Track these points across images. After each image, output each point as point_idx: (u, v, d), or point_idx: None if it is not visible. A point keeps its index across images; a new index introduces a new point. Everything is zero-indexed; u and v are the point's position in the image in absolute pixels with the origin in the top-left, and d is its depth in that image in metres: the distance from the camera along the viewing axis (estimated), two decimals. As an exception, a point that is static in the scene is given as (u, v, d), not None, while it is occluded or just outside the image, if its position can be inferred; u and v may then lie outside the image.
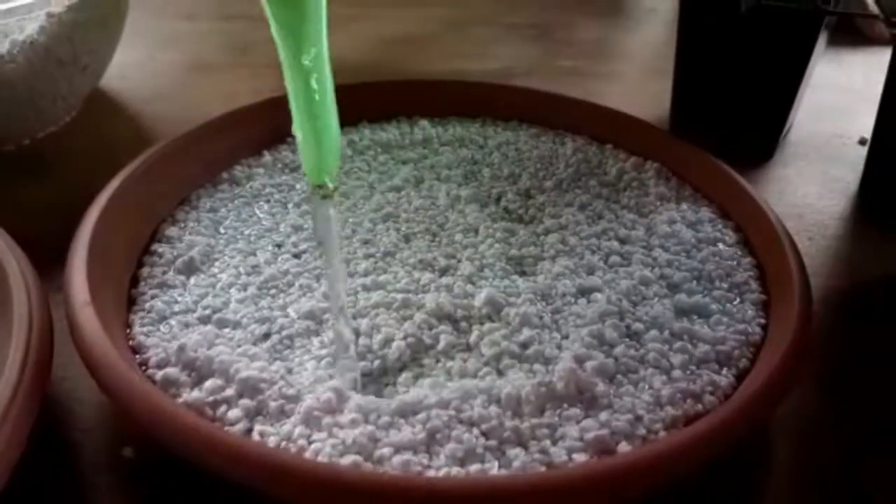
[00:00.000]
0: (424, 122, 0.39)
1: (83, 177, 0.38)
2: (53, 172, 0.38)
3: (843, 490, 0.25)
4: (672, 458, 0.22)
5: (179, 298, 0.28)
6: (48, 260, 0.27)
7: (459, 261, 0.30)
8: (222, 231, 0.31)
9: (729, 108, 0.41)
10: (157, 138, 0.42)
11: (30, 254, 0.27)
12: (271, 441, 0.22)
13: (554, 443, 0.23)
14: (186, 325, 0.27)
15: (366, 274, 0.29)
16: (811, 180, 0.41)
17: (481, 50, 0.53)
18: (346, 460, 0.22)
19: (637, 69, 0.52)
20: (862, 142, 0.44)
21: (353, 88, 0.39)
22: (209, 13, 0.56)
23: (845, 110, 0.47)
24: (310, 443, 0.22)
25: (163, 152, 0.33)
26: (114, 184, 0.31)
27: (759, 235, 0.31)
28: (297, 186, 0.34)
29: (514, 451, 0.22)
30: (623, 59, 0.54)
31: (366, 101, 0.39)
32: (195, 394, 0.24)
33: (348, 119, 0.39)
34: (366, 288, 0.28)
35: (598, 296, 0.28)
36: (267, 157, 0.36)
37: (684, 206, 0.33)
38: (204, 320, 0.27)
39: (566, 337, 0.26)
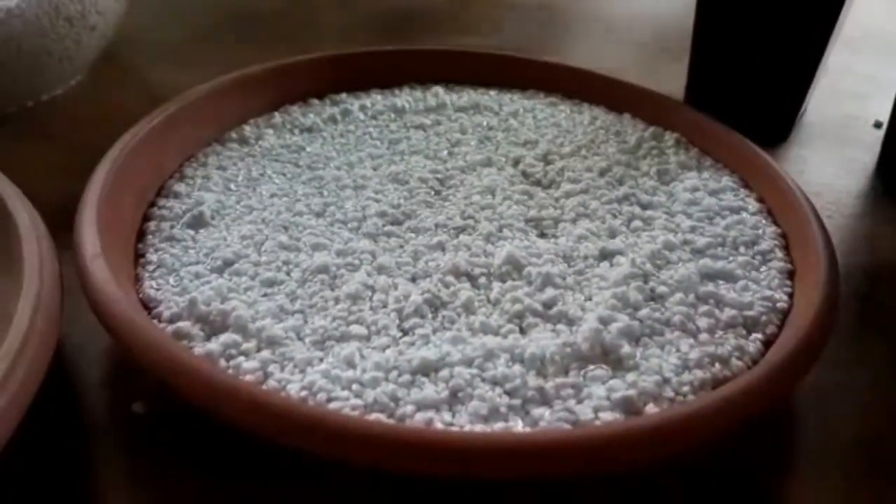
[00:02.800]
0: (438, 89, 0.38)
1: (88, 139, 0.36)
2: (58, 135, 0.37)
3: (863, 464, 0.25)
4: (701, 421, 0.21)
5: (188, 252, 0.27)
6: (55, 219, 0.26)
7: (477, 221, 0.29)
8: (233, 188, 0.30)
9: (745, 89, 0.40)
10: (157, 102, 0.41)
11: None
12: (292, 391, 0.22)
13: (579, 402, 0.22)
14: (197, 276, 0.26)
15: (374, 234, 0.28)
16: (828, 161, 0.40)
17: (488, 26, 0.52)
18: (371, 416, 0.21)
19: (651, 45, 0.51)
20: (877, 125, 0.43)
21: (364, 56, 0.38)
22: None
23: (859, 94, 0.46)
24: (329, 401, 0.21)
25: (172, 111, 0.32)
26: (122, 142, 0.30)
27: (783, 206, 0.30)
28: (308, 149, 0.33)
29: (539, 411, 0.22)
30: (635, 35, 0.53)
31: (378, 67, 0.38)
32: (209, 346, 0.23)
33: (360, 85, 0.38)
34: (378, 246, 0.28)
35: (622, 259, 0.27)
36: (277, 117, 0.35)
37: (706, 174, 0.33)
38: (216, 269, 0.26)
39: (589, 298, 0.26)
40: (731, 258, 0.28)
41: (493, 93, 0.38)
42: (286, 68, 0.37)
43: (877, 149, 0.41)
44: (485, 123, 0.36)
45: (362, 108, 0.36)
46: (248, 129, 0.34)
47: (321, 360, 0.23)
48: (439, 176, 0.32)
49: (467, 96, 0.38)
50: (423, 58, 0.39)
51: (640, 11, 0.57)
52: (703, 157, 0.34)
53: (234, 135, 0.34)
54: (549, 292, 0.25)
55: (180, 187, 0.30)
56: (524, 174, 0.32)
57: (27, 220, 0.25)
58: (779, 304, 0.26)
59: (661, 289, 0.26)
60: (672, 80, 0.43)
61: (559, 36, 0.52)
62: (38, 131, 0.38)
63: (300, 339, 0.24)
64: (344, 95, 0.37)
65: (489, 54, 0.40)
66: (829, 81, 0.45)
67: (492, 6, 0.55)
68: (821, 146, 0.41)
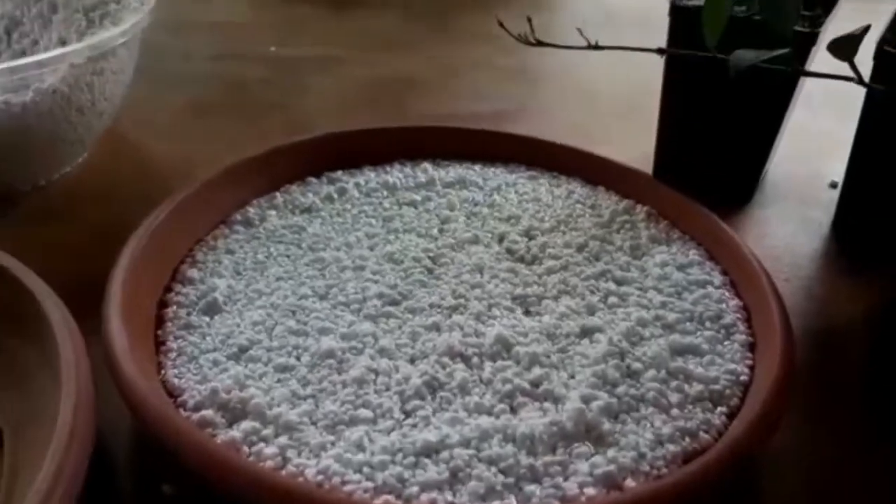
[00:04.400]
0: (427, 165, 0.40)
1: (99, 218, 0.39)
2: (69, 215, 0.39)
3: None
4: (675, 494, 0.24)
5: (206, 339, 0.29)
6: (73, 297, 0.28)
7: (468, 300, 0.32)
8: (242, 272, 0.33)
9: (710, 155, 0.43)
10: (164, 177, 0.43)
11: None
12: (309, 475, 0.24)
13: (566, 479, 0.24)
14: (215, 364, 0.28)
15: (375, 316, 0.31)
16: (787, 221, 0.43)
17: (471, 91, 0.55)
18: (380, 500, 0.23)
19: (623, 106, 0.54)
20: (832, 185, 0.46)
21: (358, 134, 0.41)
22: (203, 53, 0.57)
23: (818, 152, 0.49)
24: (343, 483, 0.24)
25: (181, 202, 0.34)
26: (138, 234, 0.32)
27: (744, 279, 0.33)
28: (309, 229, 0.36)
29: (531, 488, 0.24)
30: (609, 97, 0.56)
31: (370, 145, 0.41)
32: (231, 433, 0.25)
33: (354, 161, 0.40)
34: (378, 328, 0.30)
35: (600, 336, 0.30)
36: (279, 198, 0.37)
37: (674, 248, 0.35)
38: (232, 357, 0.28)
39: (573, 376, 0.28)
40: (698, 333, 0.31)
41: (477, 167, 0.41)
42: (285, 150, 0.39)
43: (832, 209, 0.44)
44: (471, 198, 0.38)
45: (357, 185, 0.39)
46: (252, 211, 0.36)
47: (333, 444, 0.25)
48: (431, 254, 0.34)
49: (454, 171, 0.40)
50: (412, 134, 0.42)
51: (615, 76, 0.59)
52: (672, 229, 0.37)
53: (239, 217, 0.36)
54: (536, 371, 0.28)
55: (193, 273, 0.32)
56: (509, 251, 0.35)
57: (60, 319, 0.27)
58: (741, 378, 0.29)
59: (636, 365, 0.29)
60: (645, 142, 0.46)
61: (539, 99, 0.55)
62: (50, 212, 0.40)
63: (313, 423, 0.26)
64: (339, 173, 0.40)
65: (473, 130, 0.42)
66: (789, 140, 0.47)
67: (475, 70, 0.58)
68: (781, 207, 0.44)
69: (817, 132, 0.51)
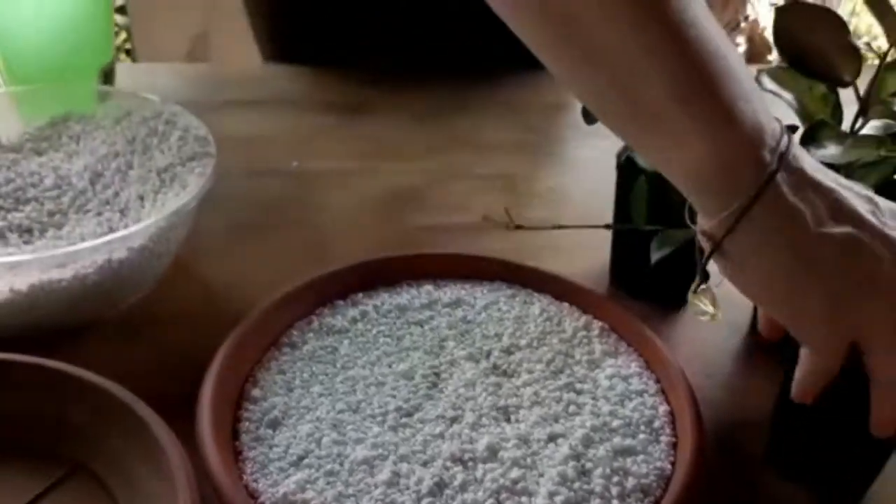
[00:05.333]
0: (429, 287, 0.50)
1: (170, 339, 0.49)
2: (145, 336, 0.49)
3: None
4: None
5: (272, 449, 0.39)
6: (160, 409, 0.38)
7: (464, 411, 0.41)
8: (293, 390, 0.42)
9: (650, 265, 0.53)
10: (216, 298, 0.53)
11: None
12: (355, 562, 0.34)
13: (537, 556, 0.34)
14: (281, 471, 0.38)
15: (395, 426, 0.40)
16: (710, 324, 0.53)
17: (459, 202, 0.65)
18: (407, 577, 0.33)
19: (585, 216, 0.64)
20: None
21: (376, 262, 0.51)
22: (236, 170, 0.65)
23: None
24: (381, 566, 0.33)
25: (242, 331, 0.44)
26: (216, 363, 0.41)
27: (670, 386, 0.43)
28: (340, 350, 0.45)
29: (512, 564, 0.34)
30: (574, 208, 0.66)
31: (384, 271, 0.50)
32: (299, 527, 0.35)
33: (371, 284, 0.50)
34: (398, 437, 0.40)
35: (562, 441, 0.39)
36: (315, 322, 0.47)
37: (620, 360, 0.45)
38: (293, 464, 0.38)
39: (542, 475, 0.38)
40: (635, 436, 0.40)
41: (468, 286, 0.51)
42: (318, 280, 0.48)
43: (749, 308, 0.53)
44: (464, 317, 0.48)
45: (375, 308, 0.48)
46: (295, 335, 0.46)
47: (372, 535, 0.35)
48: (435, 370, 0.44)
49: (450, 292, 0.50)
50: (417, 261, 0.51)
51: (589, 186, 0.68)
52: (619, 342, 0.47)
53: (286, 340, 0.46)
54: (515, 472, 0.38)
55: (256, 392, 0.42)
56: (494, 366, 0.44)
57: (165, 433, 0.37)
58: (665, 472, 0.38)
59: (588, 465, 0.38)
60: (603, 247, 0.55)
61: (521, 205, 0.65)
62: (128, 333, 0.49)
63: (357, 517, 0.36)
64: (360, 296, 0.49)
65: (465, 256, 0.52)
66: None
67: (459, 181, 0.68)
68: (710, 308, 0.54)
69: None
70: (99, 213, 0.50)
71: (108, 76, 0.65)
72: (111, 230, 0.48)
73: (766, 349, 0.51)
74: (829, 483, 0.43)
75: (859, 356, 0.37)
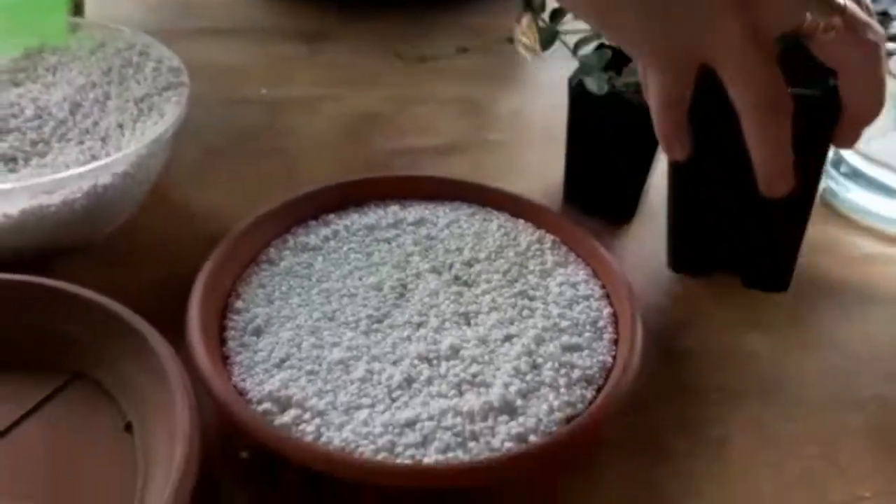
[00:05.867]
0: (395, 207, 0.54)
1: (157, 261, 0.52)
2: (133, 259, 0.52)
3: (662, 453, 0.42)
4: (562, 443, 0.38)
5: (256, 354, 0.43)
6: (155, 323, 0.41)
7: (429, 318, 0.45)
8: (273, 302, 0.46)
9: (601, 178, 0.57)
10: (199, 221, 0.56)
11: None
12: (335, 444, 0.38)
13: (494, 437, 0.39)
14: (266, 371, 0.42)
15: (367, 331, 0.44)
16: (659, 233, 0.57)
17: (424, 126, 0.68)
18: (380, 456, 0.37)
19: (543, 137, 0.67)
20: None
21: (345, 185, 0.54)
22: (210, 99, 0.68)
23: None
24: (357, 447, 0.38)
25: (225, 249, 0.47)
26: (201, 277, 0.45)
27: (614, 291, 0.47)
28: (315, 265, 0.49)
29: (472, 444, 0.38)
30: (533, 129, 0.69)
31: (354, 193, 0.54)
32: (283, 419, 0.39)
33: (342, 205, 0.54)
34: (370, 340, 0.44)
35: (517, 340, 0.44)
36: (290, 241, 0.51)
37: (569, 269, 0.50)
38: (276, 365, 0.42)
39: (498, 369, 0.42)
40: (581, 335, 0.45)
41: (432, 206, 0.54)
42: (292, 202, 0.52)
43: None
44: (427, 234, 0.52)
45: (346, 227, 0.52)
46: (272, 252, 0.50)
47: (349, 422, 0.39)
48: (402, 282, 0.48)
49: (415, 212, 0.54)
50: (384, 183, 0.55)
51: (544, 107, 0.71)
52: (569, 254, 0.51)
53: (264, 257, 0.49)
54: (474, 367, 0.42)
55: (239, 304, 0.46)
56: (456, 277, 0.49)
57: (160, 342, 0.40)
58: (606, 365, 0.43)
59: (539, 360, 0.43)
60: (559, 167, 0.59)
61: (484, 127, 0.68)
62: (114, 256, 0.52)
63: (335, 409, 0.40)
64: (332, 216, 0.53)
65: (428, 177, 0.56)
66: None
67: (423, 105, 0.71)
68: (655, 221, 0.58)
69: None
70: (80, 142, 0.52)
71: (78, 7, 0.66)
72: (94, 158, 0.50)
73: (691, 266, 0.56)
74: (749, 265, 0.45)
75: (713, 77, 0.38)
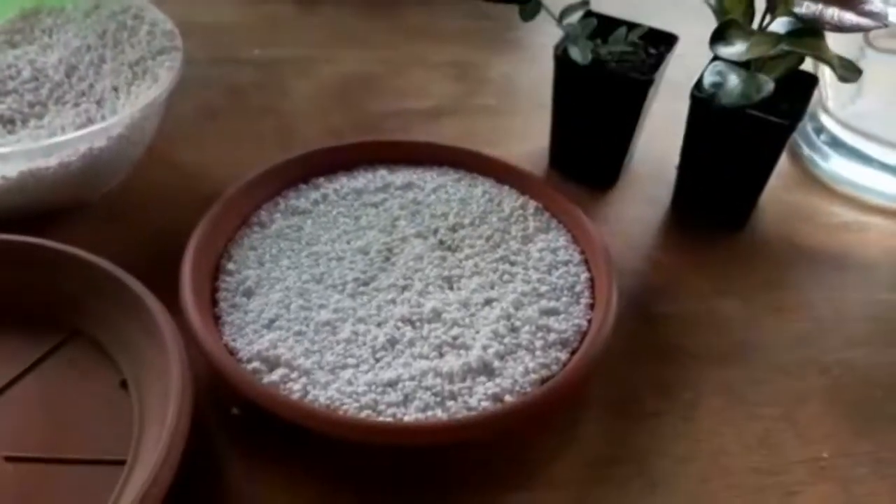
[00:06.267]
0: (383, 171, 0.55)
1: (150, 218, 0.53)
2: (128, 216, 0.53)
3: (634, 413, 0.44)
4: (536, 402, 0.40)
5: (247, 314, 0.45)
6: (148, 280, 0.43)
7: (413, 281, 0.47)
8: (263, 264, 0.48)
9: (585, 145, 0.58)
10: (192, 179, 0.57)
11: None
12: (321, 401, 0.40)
13: (471, 397, 0.41)
14: (255, 332, 0.43)
15: (353, 294, 0.46)
16: (640, 199, 0.59)
17: (415, 89, 0.69)
18: (363, 413, 0.39)
19: (532, 102, 0.68)
20: (677, 167, 0.61)
21: (334, 150, 0.55)
22: (202, 57, 0.68)
23: (672, 136, 0.64)
24: (342, 405, 0.40)
25: (216, 211, 0.48)
26: (194, 238, 0.46)
27: (593, 257, 0.49)
28: (304, 228, 0.50)
29: (450, 403, 0.40)
30: (522, 94, 0.70)
31: (343, 157, 0.55)
32: (272, 377, 0.41)
33: (331, 169, 0.55)
34: (356, 303, 0.45)
35: (496, 304, 0.46)
36: (280, 203, 0.52)
37: (551, 235, 0.51)
38: (266, 326, 0.44)
39: (478, 332, 0.44)
40: (559, 299, 0.47)
41: (419, 171, 0.55)
42: (283, 166, 0.53)
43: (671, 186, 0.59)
44: (414, 199, 0.53)
45: (335, 191, 0.53)
46: (263, 215, 0.51)
47: (334, 381, 0.41)
48: (388, 247, 0.49)
49: (402, 176, 0.55)
50: (373, 147, 0.56)
51: (531, 72, 0.72)
52: (551, 220, 0.52)
53: (255, 220, 0.51)
54: (455, 330, 0.44)
55: (231, 266, 0.47)
56: (440, 242, 0.50)
57: (153, 302, 0.42)
58: (582, 329, 0.45)
59: (517, 323, 0.45)
60: (545, 132, 0.60)
61: (473, 92, 0.69)
62: (110, 215, 0.53)
63: (321, 368, 0.42)
64: (321, 180, 0.54)
65: (416, 142, 0.57)
66: (653, 126, 0.61)
67: (415, 68, 0.71)
68: (637, 187, 0.60)
69: (673, 118, 0.66)
70: (76, 104, 0.53)
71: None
72: (89, 120, 0.51)
73: (683, 225, 0.57)
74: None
75: None
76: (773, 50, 0.45)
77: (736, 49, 0.45)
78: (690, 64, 0.55)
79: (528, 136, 0.63)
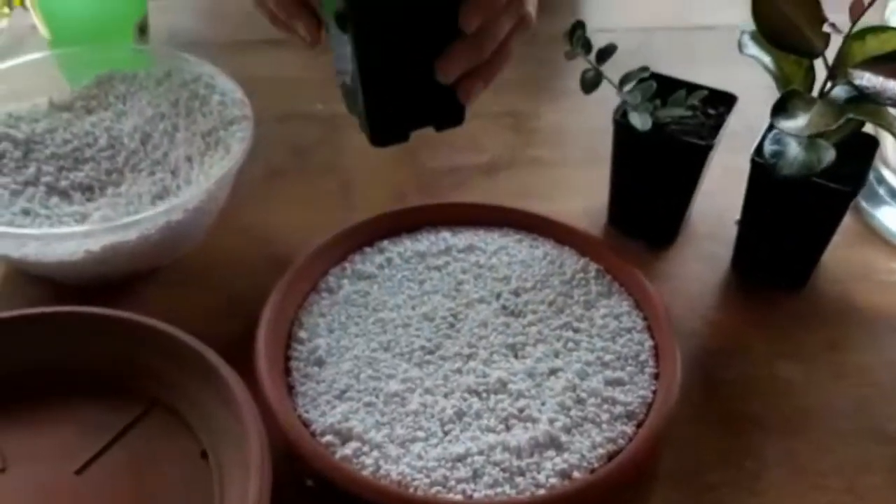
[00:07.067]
0: (446, 233, 0.56)
1: (220, 283, 0.55)
2: (198, 282, 0.55)
3: (698, 484, 0.44)
4: (605, 481, 0.41)
5: (319, 384, 0.46)
6: (220, 349, 0.44)
7: (478, 349, 0.48)
8: (333, 331, 0.49)
9: (644, 205, 0.58)
10: (262, 243, 0.58)
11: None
12: (393, 477, 0.41)
13: (539, 472, 0.41)
14: (328, 403, 0.45)
15: (420, 363, 0.47)
16: (699, 257, 0.58)
17: (471, 142, 0.69)
18: (434, 490, 0.40)
19: (586, 153, 0.68)
20: (737, 222, 0.61)
21: (399, 213, 0.56)
22: (269, 114, 0.69)
23: (730, 190, 0.63)
24: (413, 481, 0.41)
25: (289, 280, 0.50)
26: (268, 308, 0.48)
27: (656, 324, 0.49)
28: (371, 293, 0.51)
29: (519, 479, 0.41)
30: (576, 145, 0.70)
31: (406, 220, 0.56)
32: (345, 450, 0.42)
33: (395, 232, 0.56)
34: (423, 372, 0.46)
35: (561, 374, 0.46)
36: (347, 268, 0.53)
37: (613, 300, 0.51)
38: (337, 397, 0.45)
39: (543, 404, 0.45)
40: (623, 369, 0.47)
41: (481, 232, 0.56)
42: (349, 231, 0.54)
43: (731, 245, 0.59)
44: (476, 262, 0.54)
45: (399, 254, 0.54)
46: (331, 280, 0.52)
47: (405, 455, 0.42)
48: (452, 312, 0.50)
49: (464, 238, 0.55)
50: (435, 210, 0.57)
51: (586, 125, 0.72)
52: (613, 283, 0.52)
53: (323, 286, 0.52)
54: (522, 402, 0.44)
55: (302, 334, 0.48)
56: (503, 307, 0.51)
57: (229, 373, 0.43)
58: (647, 400, 0.45)
59: (583, 395, 0.45)
60: (600, 188, 0.60)
61: (526, 145, 0.69)
62: (183, 279, 0.55)
63: (392, 442, 0.42)
64: (386, 243, 0.55)
65: (478, 205, 0.57)
66: (712, 179, 0.61)
67: (471, 120, 0.72)
68: (695, 245, 0.59)
69: (735, 170, 0.64)
70: (152, 173, 0.55)
71: (143, 29, 0.69)
72: (165, 189, 0.53)
73: (742, 284, 0.57)
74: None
75: None
76: (836, 124, 0.45)
77: (798, 123, 0.45)
78: (749, 113, 0.55)
79: (584, 191, 0.63)
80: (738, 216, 0.58)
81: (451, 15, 0.43)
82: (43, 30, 0.67)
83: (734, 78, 0.58)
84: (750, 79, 0.54)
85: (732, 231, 0.59)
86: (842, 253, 0.59)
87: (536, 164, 0.68)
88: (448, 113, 0.46)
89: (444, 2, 0.43)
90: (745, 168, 0.53)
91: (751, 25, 0.49)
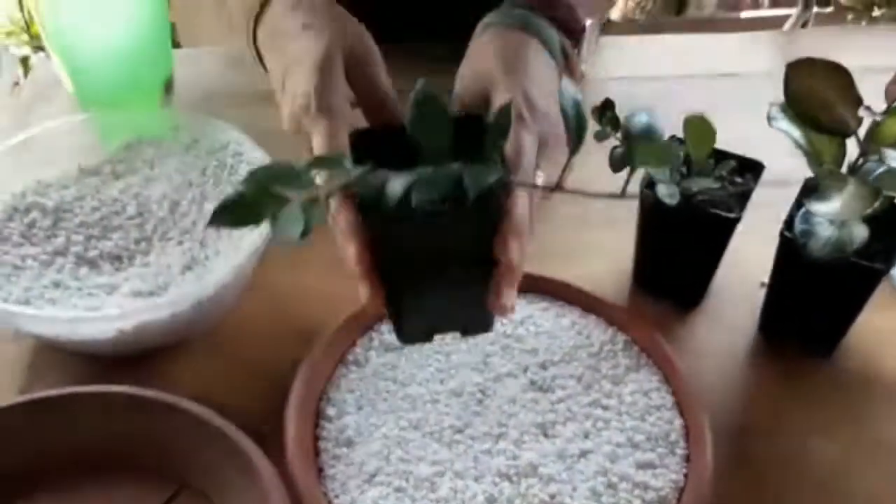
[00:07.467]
0: (472, 302, 0.55)
1: (252, 355, 0.54)
2: (230, 353, 0.55)
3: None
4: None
5: (349, 467, 0.45)
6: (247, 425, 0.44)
7: (507, 428, 0.47)
8: (362, 408, 0.49)
9: (670, 272, 0.58)
10: (282, 313, 0.58)
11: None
12: (424, 571, 0.40)
13: (572, 563, 0.41)
14: (357, 487, 0.44)
15: (450, 443, 0.46)
16: (725, 323, 0.58)
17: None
18: (467, 585, 0.40)
19: (609, 215, 0.67)
20: (763, 285, 0.60)
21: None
22: None
23: (756, 253, 0.60)
24: (445, 574, 0.40)
25: (316, 355, 0.50)
26: (297, 385, 0.47)
27: (685, 402, 0.49)
28: (398, 366, 0.51)
29: (552, 571, 0.41)
30: (597, 205, 0.69)
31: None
32: (376, 540, 0.42)
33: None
34: (453, 453, 0.46)
35: (591, 456, 0.46)
36: (375, 339, 0.53)
37: (642, 374, 0.51)
38: (367, 481, 0.45)
39: (575, 489, 0.44)
40: (654, 450, 0.46)
41: (506, 300, 0.56)
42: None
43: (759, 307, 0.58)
44: (503, 331, 0.53)
45: (426, 324, 0.54)
46: (358, 352, 0.52)
47: (437, 546, 0.41)
48: (480, 388, 0.50)
49: (491, 306, 0.55)
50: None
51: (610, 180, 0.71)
52: (641, 355, 0.52)
53: (351, 358, 0.51)
54: (553, 487, 0.44)
55: (331, 411, 0.48)
56: (531, 382, 0.50)
57: (260, 458, 0.43)
58: (679, 485, 0.45)
59: (614, 479, 0.44)
60: (625, 258, 0.60)
61: (548, 206, 0.69)
62: (210, 349, 0.55)
63: (423, 530, 0.42)
64: (412, 312, 0.55)
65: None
66: (736, 241, 0.60)
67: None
68: (719, 310, 0.59)
69: (760, 234, 0.62)
70: (180, 242, 0.55)
71: (168, 87, 0.69)
72: (193, 259, 0.53)
73: (769, 349, 0.56)
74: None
75: None
76: (871, 208, 0.44)
77: (832, 207, 0.44)
78: (776, 170, 0.54)
79: (607, 253, 0.62)
80: (763, 278, 0.58)
81: (475, 240, 0.43)
82: (66, 81, 0.67)
83: (758, 131, 0.57)
84: (776, 135, 0.53)
85: (758, 292, 0.58)
86: (872, 317, 0.58)
87: (558, 224, 0.67)
88: (477, 321, 0.46)
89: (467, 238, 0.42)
90: (769, 226, 0.52)
91: (780, 97, 0.49)
